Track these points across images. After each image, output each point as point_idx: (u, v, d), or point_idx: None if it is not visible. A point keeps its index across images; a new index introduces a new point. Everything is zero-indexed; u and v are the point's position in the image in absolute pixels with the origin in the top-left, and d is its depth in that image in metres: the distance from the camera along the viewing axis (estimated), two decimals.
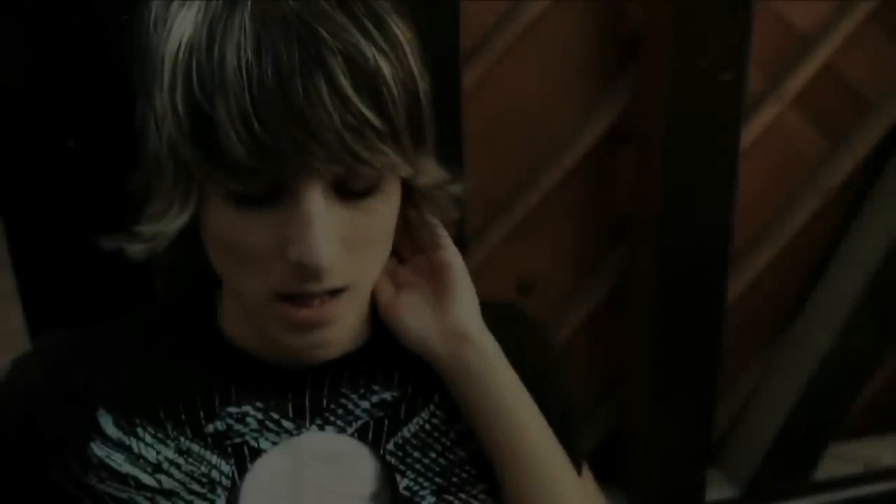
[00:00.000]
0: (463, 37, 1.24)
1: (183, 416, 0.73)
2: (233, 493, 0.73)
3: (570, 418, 0.85)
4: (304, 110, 0.58)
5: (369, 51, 0.60)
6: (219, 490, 0.73)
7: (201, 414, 0.74)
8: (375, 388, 0.77)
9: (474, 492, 0.80)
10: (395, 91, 0.61)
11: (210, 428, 0.73)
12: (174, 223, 0.65)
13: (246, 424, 0.74)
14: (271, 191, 0.63)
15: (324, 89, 0.58)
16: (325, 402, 0.76)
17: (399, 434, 0.77)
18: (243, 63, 0.57)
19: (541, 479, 0.77)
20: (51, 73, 1.09)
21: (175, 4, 0.62)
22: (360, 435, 0.76)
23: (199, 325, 0.76)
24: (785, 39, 1.61)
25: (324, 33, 0.58)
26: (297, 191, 0.62)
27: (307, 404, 0.75)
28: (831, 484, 1.88)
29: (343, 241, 0.65)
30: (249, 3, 0.59)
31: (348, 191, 0.64)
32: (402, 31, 0.64)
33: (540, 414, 0.79)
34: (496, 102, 1.48)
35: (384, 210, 0.67)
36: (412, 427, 0.78)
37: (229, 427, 0.74)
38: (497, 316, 0.81)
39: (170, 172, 0.63)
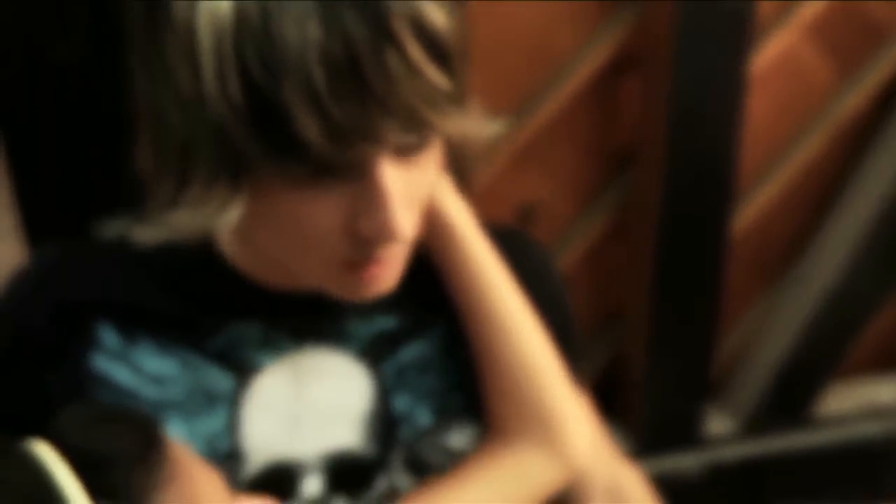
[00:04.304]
0: None
1: (184, 331, 0.73)
2: (233, 407, 0.74)
3: (569, 347, 0.84)
4: (377, 87, 0.55)
5: (435, 11, 0.57)
6: (219, 404, 0.73)
7: (202, 329, 0.73)
8: (379, 308, 0.77)
9: (468, 416, 0.80)
10: (455, 45, 0.59)
11: (211, 343, 0.73)
12: (222, 215, 0.61)
13: (247, 341, 0.74)
14: (336, 166, 0.60)
15: (396, 63, 0.55)
16: (325, 322, 0.75)
17: (399, 355, 0.77)
18: (310, 42, 0.53)
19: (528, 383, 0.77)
20: None
21: None
22: (360, 354, 0.76)
23: (198, 247, 0.75)
24: None
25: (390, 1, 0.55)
26: (365, 164, 0.59)
27: (308, 325, 0.75)
28: (830, 421, 1.88)
29: (408, 202, 0.63)
30: None
31: (408, 152, 0.62)
32: None
33: (534, 322, 0.78)
34: (497, 26, 1.45)
35: (433, 161, 0.65)
36: (413, 349, 0.78)
37: (230, 343, 0.73)
38: (498, 238, 0.79)
39: (208, 158, 0.59)
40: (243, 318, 0.74)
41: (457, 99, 0.60)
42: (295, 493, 0.76)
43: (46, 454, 0.50)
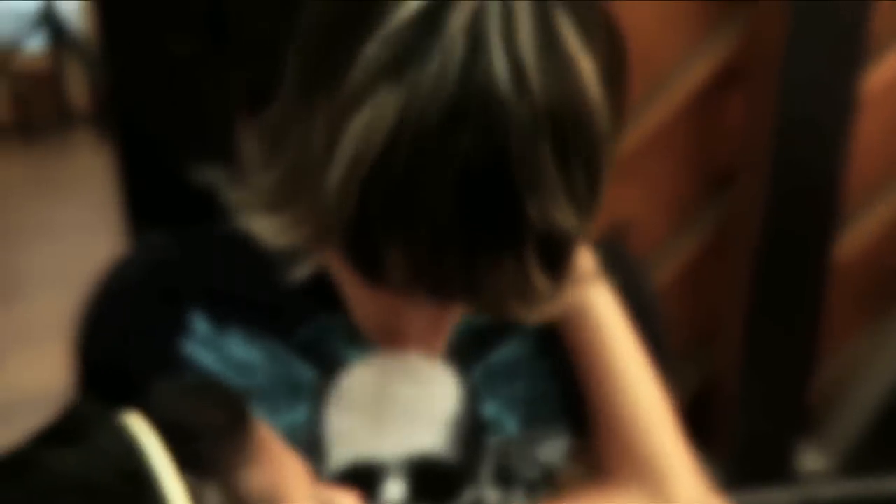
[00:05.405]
0: None
1: (272, 321, 0.73)
2: (316, 400, 0.73)
3: (660, 360, 0.81)
4: (481, 280, 0.53)
5: (573, 225, 0.53)
6: (302, 396, 0.73)
7: (290, 319, 0.73)
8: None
9: (558, 427, 0.78)
10: (576, 244, 0.55)
11: (298, 334, 0.73)
12: (296, 260, 0.61)
13: (334, 334, 0.73)
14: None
15: (508, 265, 0.52)
16: None
17: (488, 359, 0.76)
18: (437, 219, 0.51)
19: (641, 436, 0.76)
20: None
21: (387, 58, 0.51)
22: (449, 353, 0.74)
23: None
24: None
25: (530, 211, 0.51)
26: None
27: None
28: None
29: (453, 315, 0.63)
30: (469, 132, 0.49)
31: None
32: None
33: (648, 367, 0.77)
34: None
35: None
36: (503, 353, 0.76)
37: (317, 335, 0.73)
38: (598, 252, 0.77)
39: (300, 214, 0.57)
40: (332, 309, 0.73)
41: (553, 295, 0.56)
42: (376, 494, 0.74)
43: (138, 425, 0.51)
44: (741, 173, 1.53)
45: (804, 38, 1.37)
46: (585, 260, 0.72)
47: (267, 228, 0.59)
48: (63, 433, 0.52)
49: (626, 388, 0.75)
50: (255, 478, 0.53)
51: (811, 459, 1.77)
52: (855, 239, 1.65)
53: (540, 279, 0.54)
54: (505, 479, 0.76)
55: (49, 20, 3.61)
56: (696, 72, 1.48)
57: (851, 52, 1.39)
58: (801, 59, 1.38)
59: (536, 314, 0.57)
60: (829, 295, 1.59)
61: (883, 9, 1.45)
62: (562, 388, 0.77)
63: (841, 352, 1.78)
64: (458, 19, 0.50)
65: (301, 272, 0.63)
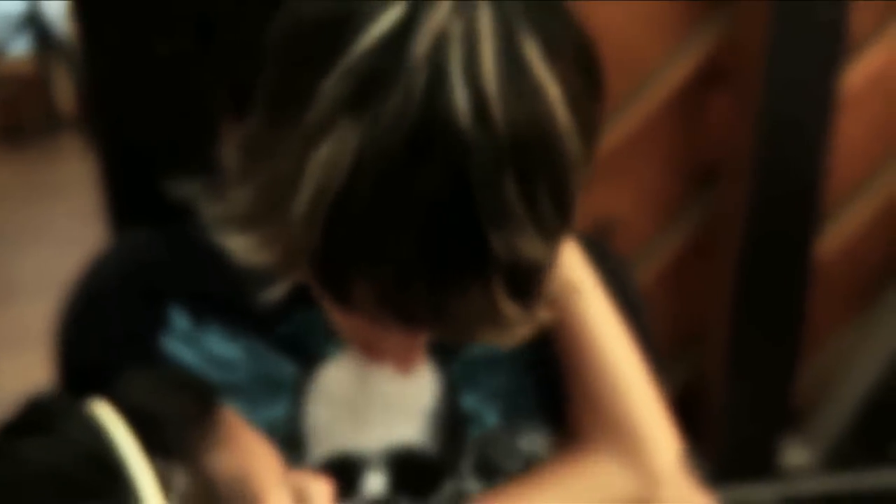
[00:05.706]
0: None
1: (252, 316, 0.73)
2: (296, 395, 0.74)
3: (647, 355, 0.82)
4: (448, 308, 0.53)
5: (541, 254, 0.53)
6: (282, 391, 0.73)
7: (270, 315, 0.73)
8: None
9: (537, 420, 0.78)
10: (547, 269, 0.55)
11: (278, 330, 0.73)
12: (271, 277, 0.62)
13: (313, 329, 0.73)
14: None
15: (477, 297, 0.52)
16: None
17: (467, 352, 0.76)
18: (403, 247, 0.50)
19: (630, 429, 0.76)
20: None
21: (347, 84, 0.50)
22: (429, 349, 0.74)
23: None
24: None
25: (494, 244, 0.50)
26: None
27: None
28: None
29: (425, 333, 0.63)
30: (430, 165, 0.49)
31: None
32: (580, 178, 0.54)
33: (637, 358, 0.77)
34: None
35: None
36: (481, 347, 0.76)
37: (296, 330, 0.73)
38: (581, 250, 0.78)
39: (270, 233, 0.57)
40: (311, 305, 0.74)
41: (524, 319, 0.56)
42: (356, 487, 0.75)
43: (107, 414, 0.52)
44: (725, 172, 1.54)
45: (787, 37, 1.38)
46: (577, 269, 0.73)
47: (240, 246, 0.59)
48: (30, 424, 0.53)
49: (603, 354, 0.75)
50: (223, 462, 0.54)
51: (795, 454, 1.78)
52: (836, 236, 1.67)
53: (509, 306, 0.54)
54: (486, 471, 0.76)
55: (34, 23, 3.58)
56: (679, 70, 1.49)
57: (833, 51, 1.41)
58: (784, 58, 1.40)
59: (509, 338, 0.57)
60: (812, 292, 1.60)
61: (858, 7, 1.47)
62: (541, 382, 0.78)
63: (823, 348, 1.79)
64: (419, 49, 0.49)
65: (276, 291, 0.64)
